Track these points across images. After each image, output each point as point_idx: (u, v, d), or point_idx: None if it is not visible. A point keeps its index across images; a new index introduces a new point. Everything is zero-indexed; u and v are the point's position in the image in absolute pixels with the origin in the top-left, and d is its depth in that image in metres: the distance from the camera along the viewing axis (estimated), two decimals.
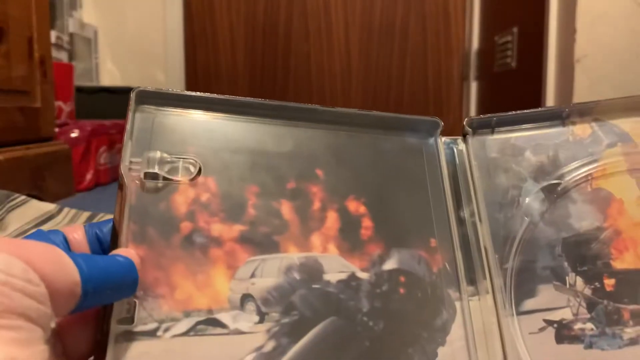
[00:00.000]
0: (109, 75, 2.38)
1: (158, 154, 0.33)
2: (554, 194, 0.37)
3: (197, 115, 0.35)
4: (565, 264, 0.36)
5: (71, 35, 2.07)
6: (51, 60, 1.38)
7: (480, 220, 0.37)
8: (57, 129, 1.47)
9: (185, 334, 0.30)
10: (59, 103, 1.66)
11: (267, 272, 0.33)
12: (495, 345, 0.34)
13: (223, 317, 0.31)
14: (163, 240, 0.32)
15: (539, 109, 0.39)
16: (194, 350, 0.30)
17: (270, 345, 0.31)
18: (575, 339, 0.35)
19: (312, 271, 0.33)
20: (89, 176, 1.63)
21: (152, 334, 0.30)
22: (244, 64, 2.47)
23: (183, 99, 0.35)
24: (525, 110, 0.38)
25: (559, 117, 0.39)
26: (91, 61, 2.27)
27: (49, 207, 1.03)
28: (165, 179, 0.33)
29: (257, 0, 2.43)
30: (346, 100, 2.45)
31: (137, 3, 2.37)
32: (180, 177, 0.33)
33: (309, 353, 0.31)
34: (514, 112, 0.39)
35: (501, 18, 2.08)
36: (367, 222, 0.35)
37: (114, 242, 0.31)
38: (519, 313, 0.35)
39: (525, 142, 0.39)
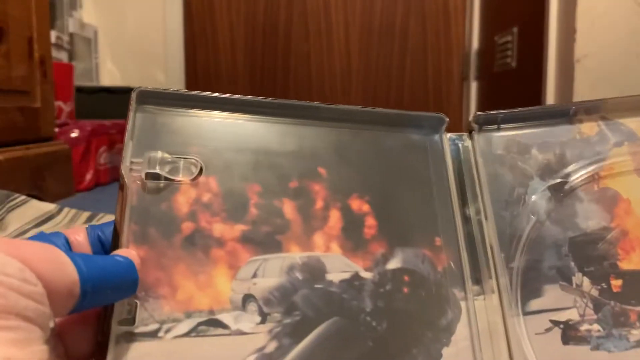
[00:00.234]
0: (109, 75, 2.37)
1: (159, 154, 0.33)
2: (561, 192, 0.37)
3: (199, 115, 0.35)
4: (572, 263, 0.36)
5: (71, 35, 2.07)
6: (51, 60, 1.38)
7: (486, 218, 0.37)
8: (57, 129, 1.47)
9: (187, 334, 0.30)
10: (59, 103, 1.66)
11: (269, 272, 0.32)
12: (500, 345, 0.34)
13: (224, 317, 0.31)
14: (164, 241, 0.31)
15: (546, 105, 0.38)
16: (196, 351, 0.30)
17: (272, 346, 0.31)
18: (582, 340, 0.34)
19: (314, 271, 0.33)
20: (88, 176, 1.63)
21: (153, 334, 0.29)
22: (244, 64, 2.46)
23: (184, 98, 0.35)
24: (532, 107, 0.38)
25: (565, 114, 0.39)
26: (91, 61, 2.27)
27: (49, 207, 1.03)
28: (166, 179, 0.33)
29: (257, 0, 2.43)
30: (346, 100, 2.45)
31: (137, 3, 2.37)
32: (182, 177, 0.33)
33: (311, 354, 0.31)
34: (520, 109, 0.38)
35: (501, 18, 2.08)
36: (370, 221, 0.35)
37: (115, 242, 0.31)
38: (525, 313, 0.34)
39: (531, 139, 0.38)
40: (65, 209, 1.04)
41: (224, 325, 0.31)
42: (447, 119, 0.39)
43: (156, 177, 0.32)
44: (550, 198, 0.37)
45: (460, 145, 0.39)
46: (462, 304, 0.35)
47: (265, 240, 0.33)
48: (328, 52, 2.45)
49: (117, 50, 2.38)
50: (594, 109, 0.39)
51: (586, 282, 0.35)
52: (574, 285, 0.35)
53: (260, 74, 2.47)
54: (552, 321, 0.34)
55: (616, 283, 0.35)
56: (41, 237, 0.30)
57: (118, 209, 0.31)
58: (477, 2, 2.35)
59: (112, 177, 1.79)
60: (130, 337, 0.29)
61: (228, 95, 0.35)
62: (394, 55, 2.46)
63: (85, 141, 1.61)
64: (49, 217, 1.00)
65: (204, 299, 0.31)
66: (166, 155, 0.33)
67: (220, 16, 2.44)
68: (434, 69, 2.46)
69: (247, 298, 0.32)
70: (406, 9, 2.43)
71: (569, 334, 0.34)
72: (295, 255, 0.33)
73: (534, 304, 0.35)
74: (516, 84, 1.90)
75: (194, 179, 0.33)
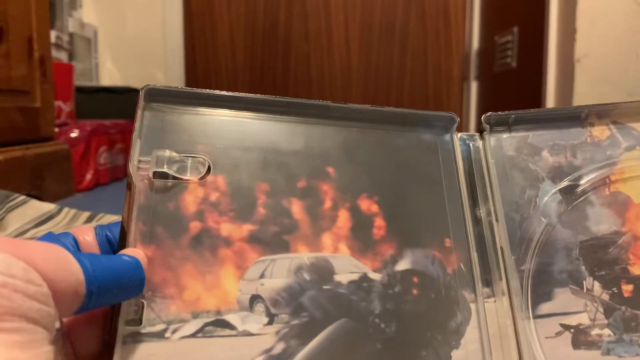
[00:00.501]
0: (109, 75, 2.37)
1: (167, 153, 0.33)
2: (572, 195, 0.37)
3: (207, 113, 0.35)
4: (583, 267, 0.35)
5: (71, 35, 2.07)
6: (51, 60, 1.38)
7: (497, 219, 0.36)
8: (57, 129, 1.47)
9: (194, 335, 0.30)
10: (58, 103, 1.66)
11: (277, 273, 0.32)
12: (510, 349, 0.34)
13: (232, 318, 0.31)
14: (172, 240, 0.31)
15: (557, 108, 0.38)
16: (202, 352, 0.30)
17: (279, 348, 0.31)
18: (593, 345, 0.34)
19: (322, 272, 0.33)
20: (88, 176, 1.63)
21: (160, 335, 0.29)
22: (244, 64, 2.46)
23: (193, 96, 0.35)
24: (543, 109, 0.38)
25: (577, 117, 0.39)
26: (91, 61, 2.27)
27: (48, 207, 1.03)
28: (174, 178, 0.32)
29: (257, 0, 2.43)
30: (346, 100, 2.44)
31: (137, 3, 2.37)
32: (190, 176, 0.33)
33: (318, 356, 0.31)
34: (531, 110, 0.38)
35: (501, 18, 2.08)
36: (379, 222, 0.35)
37: (122, 242, 0.31)
38: (536, 316, 0.34)
39: (542, 141, 0.38)
40: (65, 209, 1.04)
41: (231, 326, 0.31)
42: (458, 119, 0.38)
43: (164, 176, 0.32)
44: (561, 201, 0.37)
45: (471, 145, 0.39)
46: (472, 306, 0.34)
47: (273, 241, 0.33)
48: (328, 52, 2.45)
49: (117, 50, 2.38)
50: (605, 113, 0.39)
51: (597, 286, 0.35)
52: (585, 290, 0.35)
53: (260, 74, 2.47)
54: (562, 325, 0.34)
55: (627, 288, 0.35)
56: (50, 237, 0.30)
57: (125, 208, 0.31)
58: (477, 2, 2.35)
59: (112, 177, 1.79)
60: (137, 338, 0.29)
61: (237, 94, 0.35)
62: (394, 55, 2.46)
63: (85, 141, 1.61)
64: (49, 217, 1.00)
65: (211, 300, 0.31)
66: (174, 154, 0.33)
67: (220, 16, 2.44)
68: (434, 69, 2.46)
69: (255, 299, 0.31)
70: (406, 9, 2.43)
71: (580, 338, 0.34)
72: (303, 255, 0.33)
73: (545, 308, 0.34)
74: (516, 84, 1.90)
75: (201, 178, 0.33)
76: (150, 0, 2.37)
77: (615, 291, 0.35)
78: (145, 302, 0.30)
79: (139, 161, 0.32)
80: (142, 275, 0.29)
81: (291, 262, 0.32)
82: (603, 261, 0.36)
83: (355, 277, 0.33)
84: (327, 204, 0.34)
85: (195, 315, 0.30)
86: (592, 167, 0.38)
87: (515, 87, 1.91)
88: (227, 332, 0.30)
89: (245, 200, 0.33)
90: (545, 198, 0.37)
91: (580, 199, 0.37)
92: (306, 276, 0.32)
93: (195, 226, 0.32)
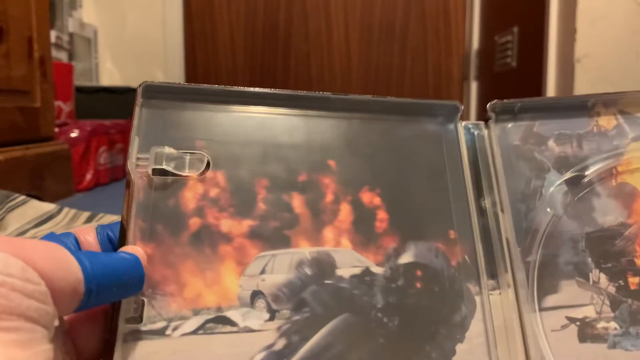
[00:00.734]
0: (109, 75, 2.37)
1: (166, 150, 0.33)
2: (578, 186, 0.36)
3: (205, 108, 0.35)
4: (589, 259, 0.35)
5: (71, 35, 2.07)
6: (51, 60, 1.38)
7: (502, 210, 0.36)
8: (56, 129, 1.47)
9: (194, 332, 0.30)
10: (58, 103, 1.66)
11: (278, 268, 0.32)
12: (516, 342, 0.33)
13: (233, 314, 0.31)
14: (172, 237, 0.31)
15: (563, 97, 0.37)
16: (203, 349, 0.30)
17: (281, 344, 0.30)
18: (599, 338, 0.34)
19: (324, 266, 0.32)
20: (88, 176, 1.62)
21: (160, 332, 0.29)
22: (244, 64, 2.46)
23: (191, 92, 0.34)
24: (549, 97, 0.38)
25: (583, 106, 0.38)
26: (91, 61, 2.27)
27: (48, 207, 1.03)
28: (173, 174, 0.32)
29: (257, 0, 2.43)
30: None
31: (137, 3, 2.37)
32: (189, 173, 0.33)
33: (320, 351, 0.30)
34: (537, 98, 0.37)
35: (501, 18, 2.08)
36: (382, 214, 0.34)
37: (122, 239, 0.31)
38: (541, 309, 0.34)
39: (548, 130, 0.38)
40: (65, 209, 1.04)
41: (232, 323, 0.30)
42: (462, 107, 0.38)
43: (163, 172, 0.32)
44: (567, 192, 0.36)
45: (476, 134, 0.38)
46: (477, 299, 0.34)
47: (273, 236, 0.32)
48: (328, 52, 2.45)
49: (117, 50, 2.38)
50: (612, 102, 0.38)
51: (603, 278, 0.35)
52: (591, 282, 0.35)
53: (260, 74, 2.46)
54: (568, 318, 0.34)
55: (634, 280, 0.35)
56: (51, 237, 0.30)
57: (125, 205, 0.31)
58: (477, 2, 2.35)
59: (112, 177, 1.79)
60: (138, 335, 0.29)
61: (235, 88, 0.35)
62: (394, 55, 2.45)
63: (85, 141, 1.61)
64: (49, 217, 1.00)
65: (211, 296, 0.31)
66: (173, 150, 0.33)
67: (220, 16, 2.44)
68: (434, 69, 2.46)
69: (256, 295, 0.31)
70: (406, 9, 2.43)
71: (586, 331, 0.34)
72: (305, 250, 0.33)
73: (550, 300, 0.34)
74: (516, 84, 1.90)
75: (201, 174, 0.33)
76: (150, 0, 2.37)
77: (622, 284, 0.35)
78: (145, 300, 0.30)
79: (138, 158, 0.32)
80: (141, 273, 0.29)
81: (292, 257, 0.32)
82: (609, 253, 0.35)
83: (357, 271, 0.33)
84: (329, 197, 0.34)
85: (196, 312, 0.30)
86: (598, 158, 0.37)
87: (515, 87, 1.91)
88: (228, 328, 0.30)
89: (245, 196, 0.33)
90: (551, 189, 0.36)
91: (587, 190, 0.36)
92: (307, 271, 0.32)
93: (195, 223, 0.32)
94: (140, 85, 0.33)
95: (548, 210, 0.36)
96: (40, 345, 0.22)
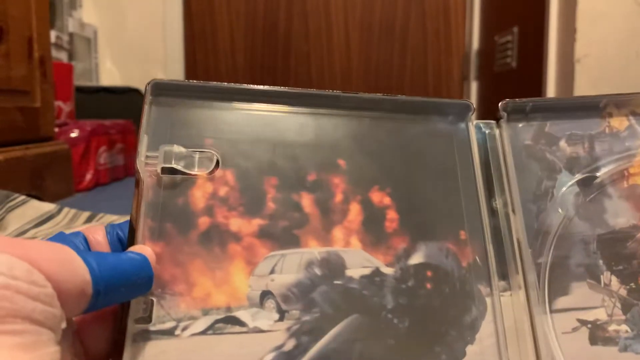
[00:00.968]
0: (109, 75, 2.37)
1: (175, 148, 0.32)
2: (590, 187, 0.36)
3: (214, 106, 0.34)
4: (600, 262, 0.35)
5: (71, 35, 2.07)
6: (51, 60, 1.38)
7: (513, 211, 0.35)
8: (56, 129, 1.46)
9: (204, 332, 0.30)
10: (58, 103, 1.65)
11: (287, 268, 0.32)
12: (527, 344, 0.33)
13: (242, 315, 0.30)
14: (181, 237, 0.31)
15: (575, 97, 0.37)
16: (213, 349, 0.29)
17: (290, 344, 0.30)
18: (610, 341, 0.33)
19: (333, 266, 0.32)
20: (88, 176, 1.62)
21: (170, 333, 0.29)
22: (244, 64, 2.46)
23: (200, 89, 0.34)
24: (561, 98, 0.37)
25: (595, 107, 0.38)
26: (91, 61, 2.27)
27: (48, 207, 1.03)
28: (182, 173, 0.32)
29: (257, 0, 2.43)
30: None
31: (137, 3, 2.36)
32: (198, 171, 0.32)
33: (330, 352, 0.30)
34: (550, 98, 0.37)
35: (501, 18, 2.08)
36: (392, 214, 0.34)
37: (131, 239, 0.30)
38: (552, 311, 0.34)
39: (559, 131, 0.37)
40: (65, 209, 1.04)
41: (241, 323, 0.30)
42: (474, 106, 0.37)
43: (172, 171, 0.32)
44: (578, 193, 0.36)
45: (487, 133, 0.38)
46: (488, 300, 0.34)
47: (283, 235, 0.32)
48: (328, 52, 2.45)
49: (117, 50, 2.38)
50: (624, 103, 0.38)
51: (615, 281, 0.34)
52: (602, 284, 0.34)
53: (260, 74, 2.46)
54: (579, 320, 0.34)
55: None
56: (60, 237, 0.30)
57: (134, 204, 0.31)
58: (477, 2, 2.35)
59: (112, 177, 1.79)
60: (147, 336, 0.29)
61: (244, 86, 0.35)
62: (394, 55, 2.46)
63: (85, 141, 1.61)
64: (49, 217, 1.00)
65: (221, 296, 0.30)
66: (182, 149, 0.32)
67: (220, 16, 2.44)
68: (434, 69, 2.46)
69: (265, 295, 0.31)
70: (406, 9, 2.43)
71: (597, 334, 0.33)
72: (314, 250, 0.32)
73: (561, 302, 0.34)
74: (516, 84, 1.90)
75: (210, 173, 0.33)
76: (150, 0, 2.37)
77: (633, 286, 0.34)
78: (154, 300, 0.29)
79: (147, 157, 0.32)
80: (150, 273, 0.28)
81: (302, 257, 0.32)
82: (621, 255, 0.35)
83: (367, 271, 0.33)
84: (338, 197, 0.34)
85: (205, 312, 0.30)
86: (610, 159, 0.37)
87: (515, 87, 1.91)
88: (238, 328, 0.30)
89: (254, 195, 0.33)
90: (563, 189, 0.36)
91: (598, 191, 0.36)
92: (317, 271, 0.32)
93: (204, 222, 0.32)
94: (149, 83, 0.33)
95: (559, 211, 0.35)
96: (46, 348, 0.22)
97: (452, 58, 2.46)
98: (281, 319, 0.31)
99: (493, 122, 0.38)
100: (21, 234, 0.90)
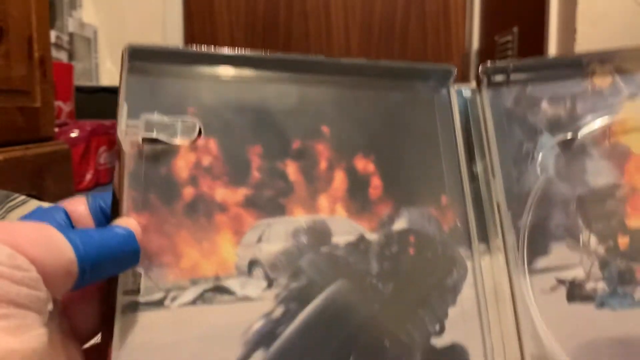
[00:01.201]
0: (109, 75, 2.37)
1: (155, 116, 0.31)
2: (570, 148, 0.36)
3: (195, 73, 0.33)
4: (580, 221, 0.35)
5: (71, 35, 2.07)
6: (51, 60, 1.38)
7: (493, 175, 0.36)
8: (56, 129, 1.47)
9: (193, 302, 0.30)
10: (58, 103, 1.66)
11: (274, 237, 0.32)
12: (506, 304, 0.34)
13: (231, 284, 0.31)
14: (165, 207, 0.31)
15: (557, 56, 0.37)
16: (203, 318, 0.30)
17: (279, 311, 0.30)
18: (587, 298, 0.34)
19: (319, 234, 0.32)
20: (88, 176, 1.63)
21: (159, 304, 0.29)
22: None
23: (180, 55, 0.34)
24: (542, 57, 0.37)
25: (578, 64, 0.38)
26: (91, 61, 2.27)
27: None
28: (164, 142, 0.31)
29: (257, 0, 2.43)
30: None
31: (137, 3, 2.37)
32: (180, 140, 0.32)
33: (318, 318, 0.31)
34: (531, 58, 0.37)
35: (501, 18, 2.08)
36: (376, 181, 0.34)
37: (115, 210, 0.30)
38: (531, 272, 0.34)
39: (541, 92, 0.37)
40: None
41: (230, 292, 0.30)
42: (455, 70, 0.37)
43: (153, 140, 0.31)
44: (559, 154, 0.36)
45: (468, 98, 0.37)
46: (469, 263, 0.34)
47: (269, 204, 0.32)
48: (328, 52, 2.45)
49: (117, 50, 2.36)
50: (608, 59, 0.37)
51: (593, 240, 0.35)
52: (581, 244, 0.35)
53: None
54: (558, 280, 0.34)
55: (623, 241, 0.35)
56: (40, 212, 0.29)
57: (116, 176, 0.31)
58: (477, 2, 2.36)
59: (112, 177, 1.79)
60: (136, 307, 0.29)
61: (226, 51, 0.34)
62: (394, 56, 2.46)
63: (85, 141, 1.61)
64: None
65: (209, 266, 0.30)
66: (163, 117, 0.32)
67: (220, 16, 2.44)
68: None
69: (253, 263, 0.31)
70: (406, 9, 2.44)
71: (574, 292, 0.34)
72: (300, 218, 0.32)
73: (540, 263, 0.34)
74: None
75: (193, 142, 0.32)
76: (150, 0, 2.38)
77: (612, 244, 0.35)
78: (142, 272, 0.29)
79: (127, 126, 0.31)
80: (136, 247, 0.28)
81: (288, 226, 0.32)
82: (600, 214, 0.35)
83: (352, 238, 0.33)
84: (323, 164, 0.34)
85: (194, 282, 0.30)
86: (591, 118, 0.36)
87: None
88: (227, 297, 0.30)
89: (238, 164, 0.32)
90: (543, 151, 0.36)
91: (579, 152, 0.36)
92: (303, 239, 0.32)
93: (188, 192, 0.31)
94: (125, 49, 0.32)
95: (540, 173, 0.36)
96: (33, 331, 0.22)
97: (452, 58, 2.46)
98: (269, 286, 0.31)
99: (474, 86, 0.38)
100: None
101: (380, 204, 0.34)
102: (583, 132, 0.36)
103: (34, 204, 1.02)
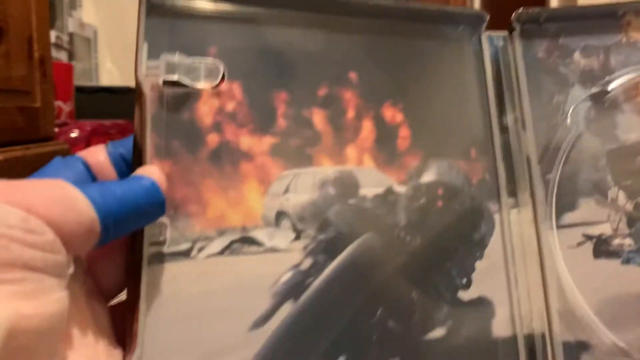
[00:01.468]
0: (109, 75, 2.36)
1: (177, 57, 0.29)
2: (602, 102, 0.35)
3: (217, 11, 0.31)
4: (609, 177, 0.35)
5: (71, 35, 2.06)
6: (51, 60, 1.38)
7: (524, 127, 0.35)
8: (56, 129, 1.46)
9: (220, 253, 0.29)
10: (58, 103, 1.65)
11: (301, 187, 0.31)
12: (533, 259, 0.33)
13: (258, 234, 0.30)
14: (189, 155, 0.29)
15: (592, 5, 0.36)
16: (230, 269, 0.29)
17: (307, 263, 0.30)
18: (613, 254, 0.34)
19: (347, 186, 0.32)
20: None
21: (185, 254, 0.28)
22: None
23: None
24: (577, 5, 0.37)
25: (613, 15, 0.36)
26: (91, 61, 2.26)
27: None
28: (186, 85, 0.29)
29: None
30: None
31: (137, 3, 2.36)
32: (204, 84, 0.30)
33: (346, 270, 0.30)
34: (565, 6, 0.37)
35: (501, 18, 2.08)
36: (404, 131, 0.33)
37: (136, 158, 0.28)
38: (559, 226, 0.34)
39: (574, 42, 0.36)
40: None
41: (257, 243, 0.30)
42: (488, 16, 0.36)
43: (174, 83, 0.29)
44: (590, 107, 0.35)
45: (499, 46, 0.37)
46: (496, 217, 0.34)
47: (295, 154, 0.31)
48: None
49: (117, 50, 2.37)
50: None
51: (622, 196, 0.35)
52: (609, 200, 0.34)
53: None
54: (584, 235, 0.34)
55: None
56: (58, 163, 0.28)
57: (137, 121, 0.29)
58: (477, 2, 2.36)
59: None
60: (162, 258, 0.28)
61: None
62: None
63: (85, 141, 1.60)
64: None
65: (235, 216, 0.30)
66: (184, 58, 0.30)
67: None
68: None
69: (280, 214, 0.31)
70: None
71: (601, 248, 0.34)
72: (328, 169, 0.32)
73: (568, 218, 0.34)
74: None
75: (216, 86, 0.30)
76: None
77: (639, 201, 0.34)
78: (168, 223, 0.28)
79: (147, 68, 0.29)
80: (161, 198, 0.26)
81: (315, 176, 0.31)
82: (630, 170, 0.35)
83: (380, 190, 0.33)
84: (350, 113, 0.33)
85: (221, 233, 0.29)
86: (625, 71, 0.36)
87: None
88: (254, 249, 0.30)
89: (263, 111, 0.31)
90: (575, 104, 0.35)
91: (611, 106, 0.35)
92: (331, 190, 0.32)
93: (213, 139, 0.30)
94: None
95: (570, 126, 0.35)
96: (51, 295, 0.21)
97: None
98: (297, 238, 0.30)
99: (506, 33, 0.37)
100: None
101: (409, 155, 0.33)
102: (615, 85, 0.36)
103: None
